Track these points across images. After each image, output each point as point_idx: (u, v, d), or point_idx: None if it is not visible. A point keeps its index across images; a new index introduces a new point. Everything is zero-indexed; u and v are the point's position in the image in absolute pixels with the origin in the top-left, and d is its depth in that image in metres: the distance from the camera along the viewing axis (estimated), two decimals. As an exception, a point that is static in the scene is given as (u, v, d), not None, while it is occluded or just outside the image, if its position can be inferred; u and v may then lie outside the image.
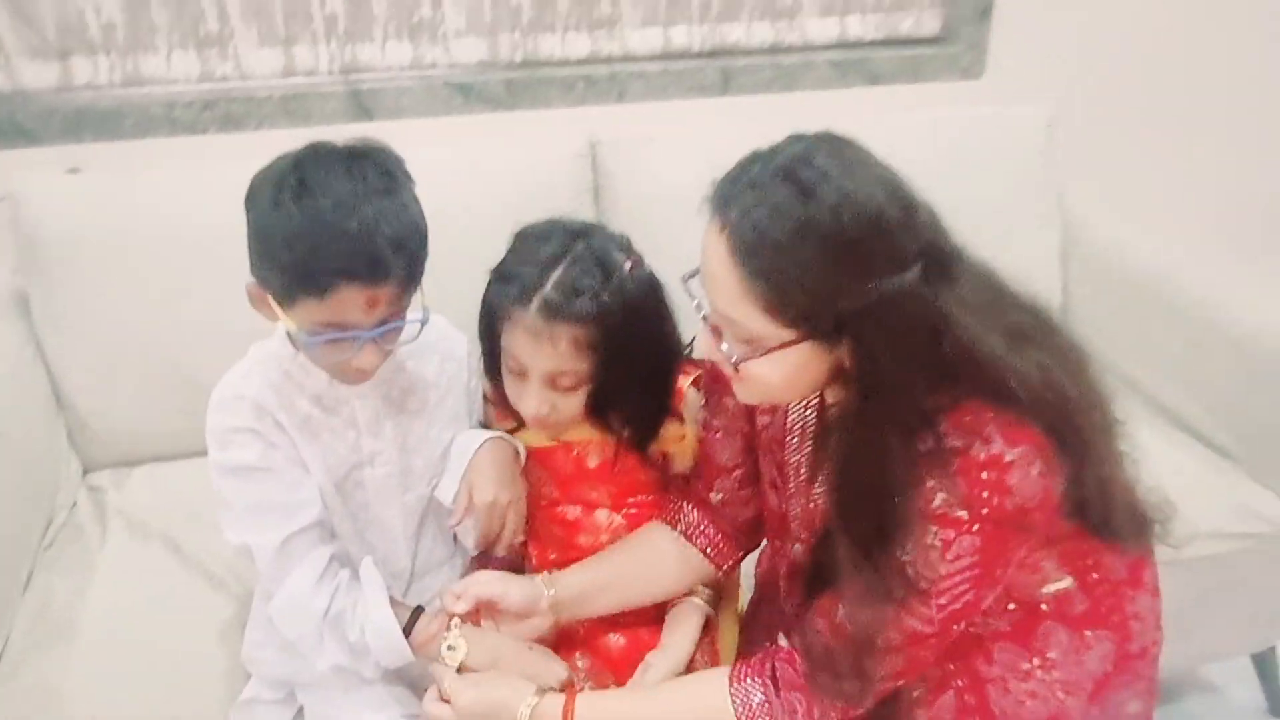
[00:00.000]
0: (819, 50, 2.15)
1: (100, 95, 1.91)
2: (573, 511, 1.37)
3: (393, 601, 1.23)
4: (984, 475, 0.99)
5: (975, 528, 1.00)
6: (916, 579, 1.02)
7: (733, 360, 1.04)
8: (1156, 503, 1.18)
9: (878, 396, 1.01)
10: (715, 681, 1.15)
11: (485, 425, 1.39)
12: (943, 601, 1.03)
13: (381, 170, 1.11)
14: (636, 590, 1.32)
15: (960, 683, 1.15)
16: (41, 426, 1.68)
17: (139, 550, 1.58)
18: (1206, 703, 1.88)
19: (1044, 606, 1.15)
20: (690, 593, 1.35)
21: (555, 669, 1.23)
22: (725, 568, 1.35)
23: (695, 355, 1.11)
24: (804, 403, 1.20)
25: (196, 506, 1.65)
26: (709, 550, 1.33)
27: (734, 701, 1.12)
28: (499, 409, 1.38)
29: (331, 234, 1.06)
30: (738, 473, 1.32)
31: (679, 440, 1.36)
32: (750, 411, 1.27)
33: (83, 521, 1.64)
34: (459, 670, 1.20)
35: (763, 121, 2.23)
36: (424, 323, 1.17)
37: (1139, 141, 2.39)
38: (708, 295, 1.05)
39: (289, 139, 2.01)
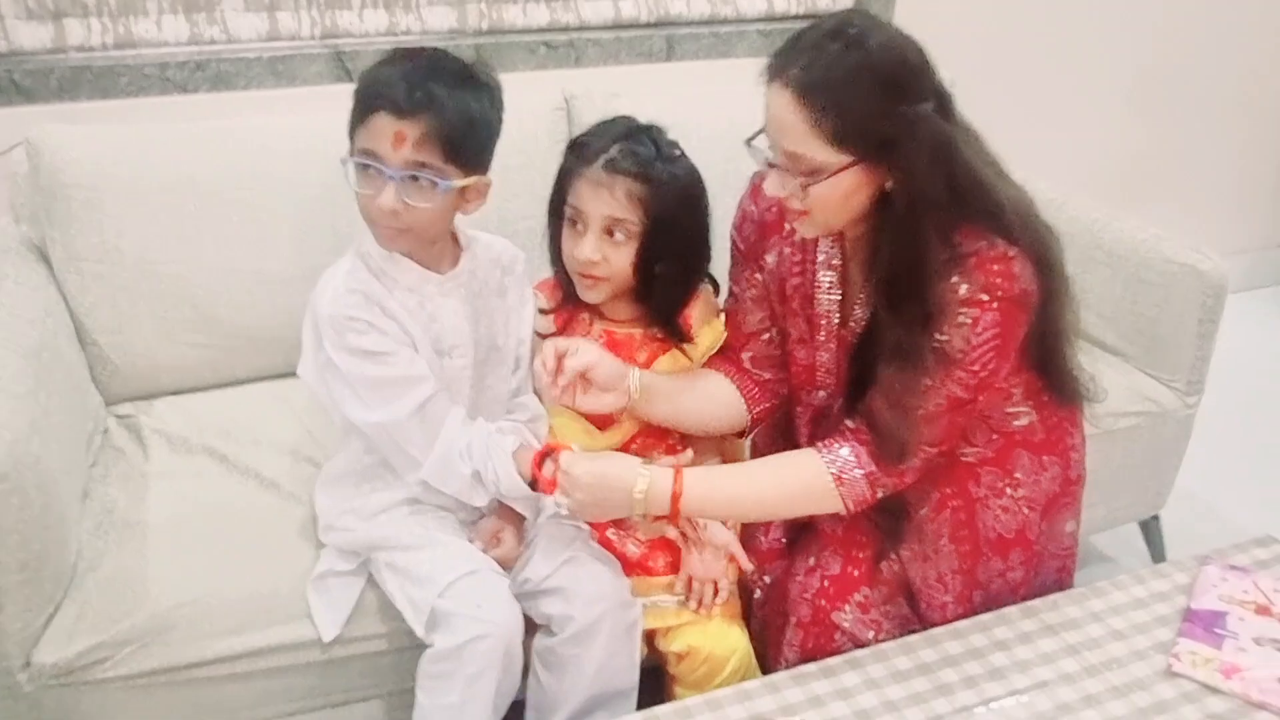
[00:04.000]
0: (750, 22, 2.42)
1: (93, 57, 2.00)
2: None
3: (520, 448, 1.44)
4: (995, 267, 1.28)
5: (995, 305, 1.28)
6: (953, 353, 1.28)
7: (803, 187, 1.27)
8: (1087, 376, 1.49)
9: (916, 203, 1.26)
10: (804, 453, 1.38)
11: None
12: (975, 369, 1.30)
13: (468, 70, 1.33)
14: (689, 408, 1.53)
15: (956, 504, 1.42)
16: (69, 360, 1.77)
17: (185, 462, 1.70)
18: (1104, 568, 2.21)
19: (1016, 437, 1.43)
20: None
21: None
22: (755, 412, 1.57)
23: (767, 191, 1.34)
24: (828, 261, 1.45)
25: (225, 427, 1.78)
26: (744, 392, 1.56)
27: (825, 458, 1.36)
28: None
29: (387, 74, 1.30)
30: (765, 335, 1.56)
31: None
32: (779, 281, 1.50)
33: (120, 444, 1.73)
34: None
35: (703, 84, 2.49)
36: (450, 186, 1.32)
37: (1025, 100, 2.77)
38: (776, 143, 1.28)
39: (277, 99, 2.15)
